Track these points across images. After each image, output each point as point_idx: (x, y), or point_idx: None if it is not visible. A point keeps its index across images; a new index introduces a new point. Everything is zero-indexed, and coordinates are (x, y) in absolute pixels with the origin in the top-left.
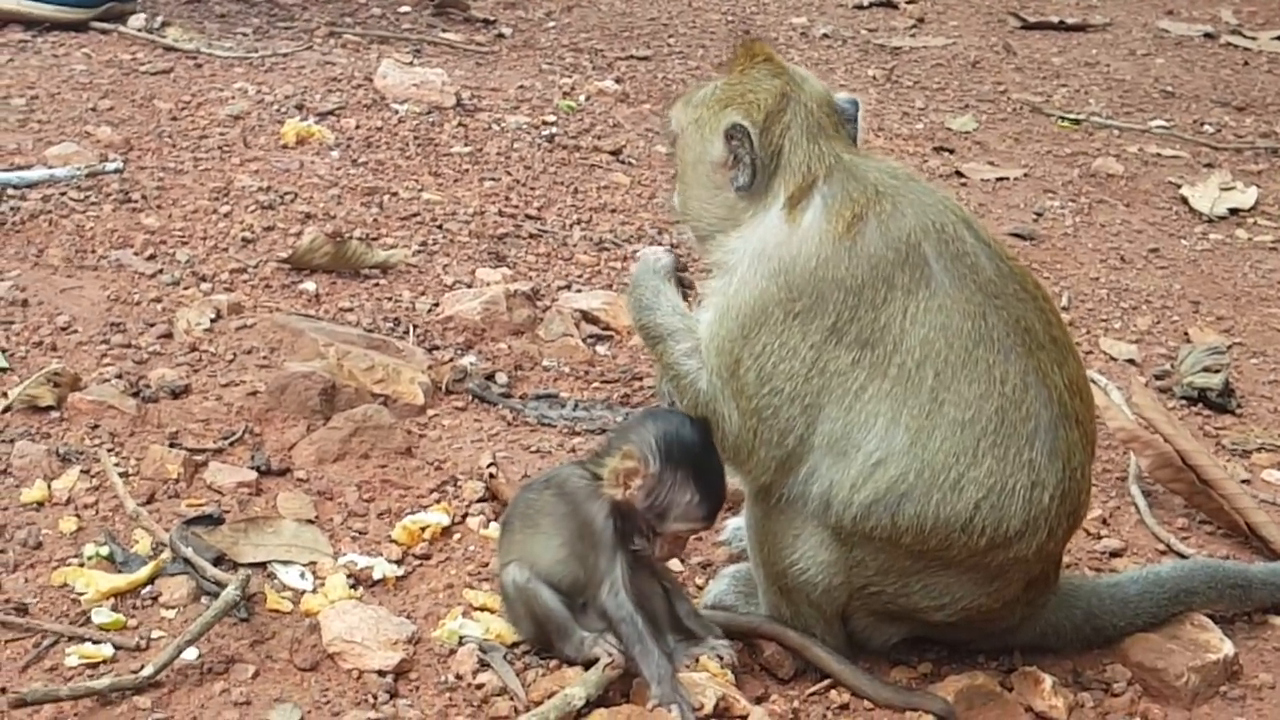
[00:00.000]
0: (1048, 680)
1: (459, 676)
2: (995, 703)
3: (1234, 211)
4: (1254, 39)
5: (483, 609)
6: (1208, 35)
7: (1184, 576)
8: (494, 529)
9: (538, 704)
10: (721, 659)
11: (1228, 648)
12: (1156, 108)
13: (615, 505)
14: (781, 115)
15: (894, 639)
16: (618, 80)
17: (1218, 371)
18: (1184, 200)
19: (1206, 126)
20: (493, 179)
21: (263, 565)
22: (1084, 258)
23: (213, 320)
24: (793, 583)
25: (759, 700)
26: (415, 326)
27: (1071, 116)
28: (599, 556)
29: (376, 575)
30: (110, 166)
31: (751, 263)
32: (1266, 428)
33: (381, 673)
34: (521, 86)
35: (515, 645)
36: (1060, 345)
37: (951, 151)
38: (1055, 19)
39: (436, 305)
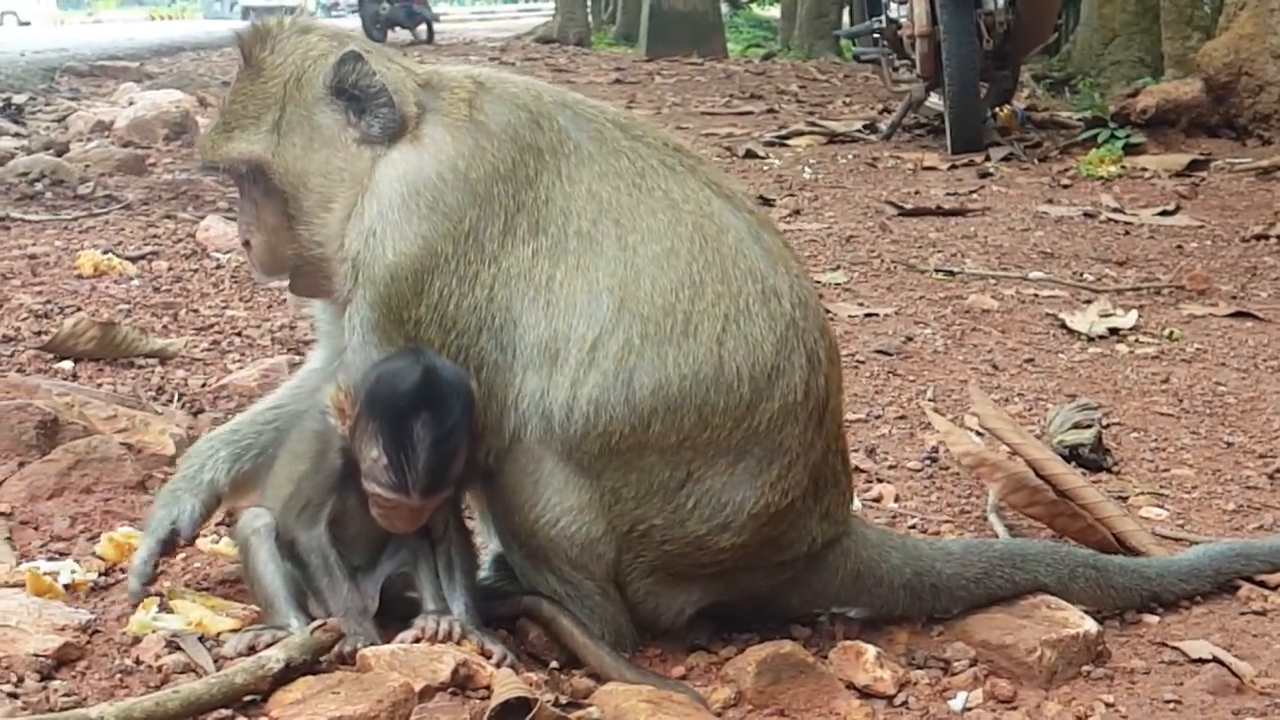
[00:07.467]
0: (870, 651)
1: (139, 661)
2: (808, 675)
3: (1114, 331)
4: (1135, 215)
5: (190, 601)
6: (1087, 214)
7: (1021, 544)
8: (223, 544)
9: None
10: (491, 656)
11: (1089, 625)
12: (1035, 265)
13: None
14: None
15: (686, 611)
16: None
17: (1088, 427)
18: (1063, 325)
19: (1087, 277)
20: None
21: None
22: (954, 367)
23: None
24: (544, 542)
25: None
26: (182, 395)
27: (946, 269)
28: (316, 478)
29: (64, 580)
30: None
31: (395, 219)
32: (1146, 483)
33: (38, 656)
34: None
35: (219, 635)
36: (711, 164)
37: (820, 297)
38: (933, 205)
39: (215, 381)
